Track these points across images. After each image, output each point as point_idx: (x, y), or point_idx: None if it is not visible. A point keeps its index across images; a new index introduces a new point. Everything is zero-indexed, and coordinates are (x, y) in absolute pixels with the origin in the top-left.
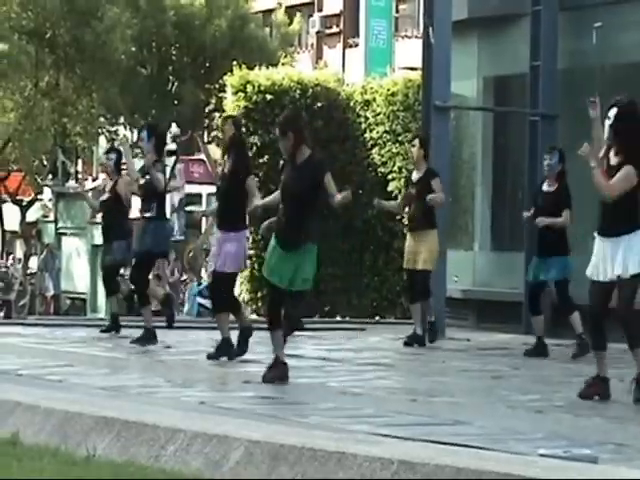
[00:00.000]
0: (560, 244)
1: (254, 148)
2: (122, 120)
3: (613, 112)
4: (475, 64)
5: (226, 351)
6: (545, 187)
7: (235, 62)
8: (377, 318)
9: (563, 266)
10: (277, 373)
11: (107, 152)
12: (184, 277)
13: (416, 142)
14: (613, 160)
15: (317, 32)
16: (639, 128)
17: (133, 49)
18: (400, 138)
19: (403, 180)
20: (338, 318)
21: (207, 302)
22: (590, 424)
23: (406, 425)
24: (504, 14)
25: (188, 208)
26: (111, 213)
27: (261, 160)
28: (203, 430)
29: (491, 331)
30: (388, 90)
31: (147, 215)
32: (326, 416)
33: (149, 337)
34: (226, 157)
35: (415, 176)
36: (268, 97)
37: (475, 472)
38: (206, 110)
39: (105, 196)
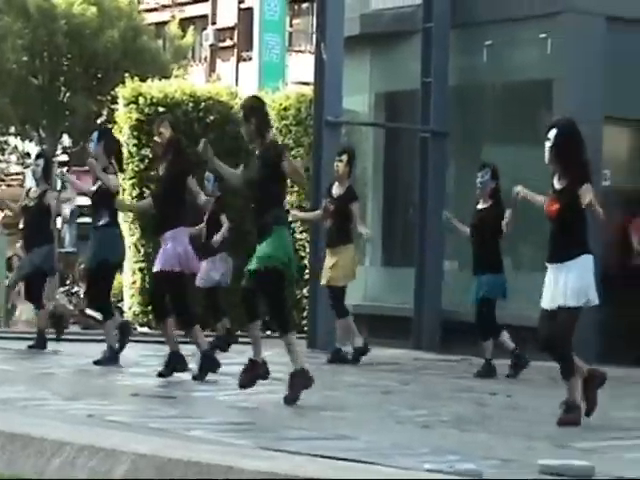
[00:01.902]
0: (492, 262)
1: (145, 161)
2: (13, 130)
3: (553, 133)
4: (367, 80)
5: (178, 363)
6: (480, 205)
7: (127, 74)
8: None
9: (492, 284)
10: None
11: (36, 158)
12: (75, 289)
13: (344, 157)
14: (557, 184)
15: (211, 45)
16: (580, 148)
17: (25, 58)
18: (292, 152)
19: (295, 194)
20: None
21: (97, 314)
22: (476, 439)
23: (294, 439)
24: (396, 30)
25: (79, 220)
26: (34, 220)
27: (152, 173)
28: (90, 443)
29: (381, 346)
30: (281, 104)
31: (100, 223)
32: (214, 430)
33: (112, 356)
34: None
35: (336, 191)
36: (160, 109)
37: None
38: (98, 121)
39: (29, 202)
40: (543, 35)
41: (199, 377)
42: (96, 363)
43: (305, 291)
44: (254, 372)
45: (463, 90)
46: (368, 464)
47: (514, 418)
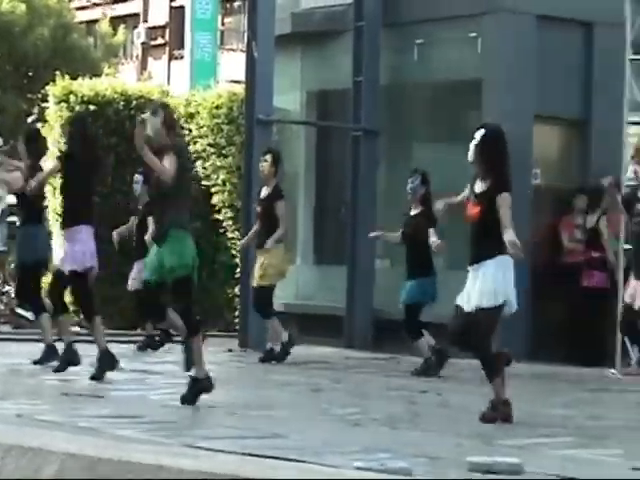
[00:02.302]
0: (423, 266)
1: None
2: None
3: (480, 133)
4: (299, 78)
5: (108, 363)
6: (411, 212)
7: (58, 72)
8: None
9: (422, 289)
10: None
11: None
12: (6, 288)
13: (268, 157)
14: (478, 187)
15: (142, 43)
16: (503, 154)
17: None
18: (224, 151)
19: (227, 193)
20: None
21: (28, 314)
22: (406, 437)
23: (224, 438)
24: (327, 29)
25: (10, 219)
26: None
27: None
28: (18, 443)
29: (313, 344)
30: (212, 103)
31: (20, 223)
32: (145, 429)
33: (51, 352)
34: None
35: (263, 193)
36: (91, 108)
37: None
38: (28, 120)
39: None
40: (473, 34)
41: (97, 376)
42: (36, 363)
43: (237, 290)
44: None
45: (394, 89)
46: (299, 462)
47: (444, 416)
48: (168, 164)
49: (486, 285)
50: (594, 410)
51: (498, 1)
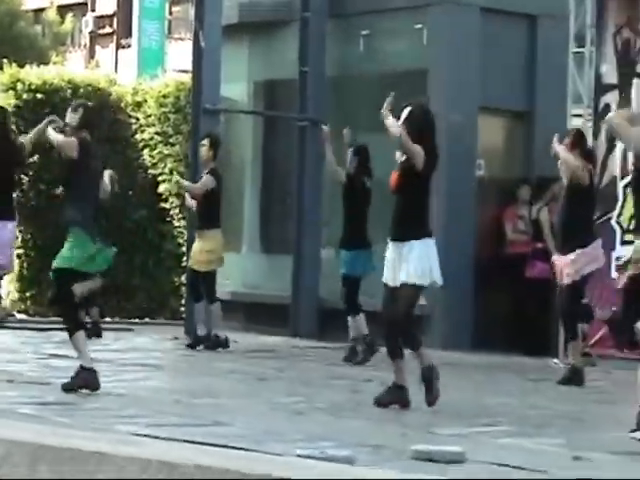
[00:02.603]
0: (358, 237)
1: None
2: None
3: (406, 111)
4: (246, 68)
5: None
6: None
7: (5, 59)
8: (146, 319)
9: (359, 260)
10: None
11: None
12: None
13: (206, 142)
14: (399, 157)
15: (90, 32)
16: (425, 130)
17: None
18: (171, 140)
19: (174, 182)
20: (107, 319)
21: None
22: (350, 426)
23: (168, 426)
24: (274, 20)
25: None
26: None
27: (31, 160)
28: None
29: (259, 333)
30: (160, 92)
31: None
32: (89, 416)
33: None
34: None
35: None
36: (39, 96)
37: (232, 473)
38: None
39: None
40: (419, 26)
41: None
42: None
43: (183, 278)
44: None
45: (340, 79)
46: (241, 450)
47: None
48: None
49: (414, 265)
50: (536, 400)
51: None
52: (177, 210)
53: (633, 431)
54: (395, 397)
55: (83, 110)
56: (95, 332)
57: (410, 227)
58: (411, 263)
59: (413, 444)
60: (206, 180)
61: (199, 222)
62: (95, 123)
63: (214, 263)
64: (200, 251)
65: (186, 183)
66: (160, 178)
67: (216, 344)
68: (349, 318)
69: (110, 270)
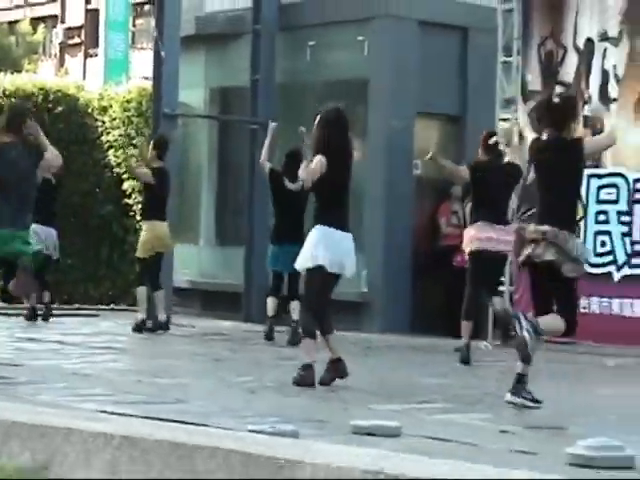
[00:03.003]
0: (296, 232)
1: None
2: None
3: (317, 118)
4: (202, 76)
5: None
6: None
7: None
8: (112, 306)
9: (284, 256)
10: None
11: None
12: None
13: (151, 144)
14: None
15: (60, 42)
16: (333, 136)
17: None
18: (134, 141)
19: (136, 179)
20: (76, 305)
21: None
22: (296, 403)
23: (131, 403)
24: (228, 32)
25: None
26: None
27: None
28: None
29: (214, 318)
30: (124, 97)
31: None
32: (58, 395)
33: None
34: None
35: None
36: (13, 100)
37: (189, 447)
38: None
39: None
40: (360, 38)
41: None
42: None
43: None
44: None
45: (289, 87)
46: (198, 426)
47: (332, 384)
48: None
49: (304, 249)
50: (468, 379)
51: (383, 7)
52: (140, 205)
53: (512, 394)
54: (334, 372)
55: (7, 113)
56: (45, 316)
57: (315, 219)
58: (303, 249)
59: (353, 419)
60: (145, 172)
61: (142, 213)
62: (18, 124)
63: (145, 252)
64: (140, 241)
65: (134, 165)
66: (124, 176)
67: (157, 326)
68: (291, 302)
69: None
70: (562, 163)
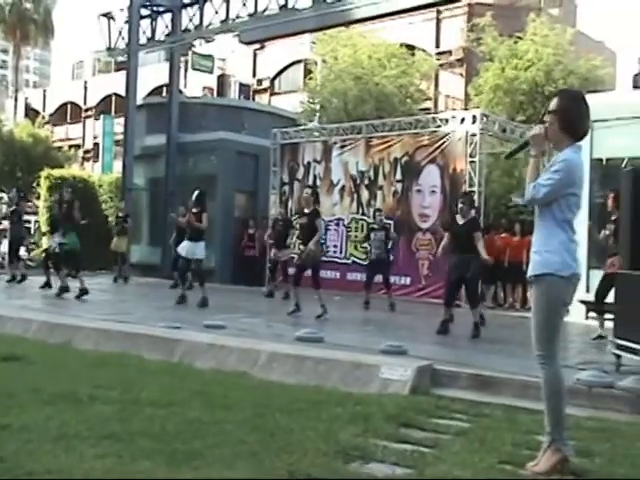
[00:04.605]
0: (201, 233)
1: None
2: None
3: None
4: (142, 174)
5: None
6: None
7: None
8: None
9: (201, 249)
10: None
11: None
12: None
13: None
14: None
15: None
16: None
17: None
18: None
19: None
20: None
21: None
22: (173, 315)
23: (101, 314)
24: (153, 153)
25: None
26: None
27: None
28: None
29: (142, 277)
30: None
31: None
32: None
33: None
34: None
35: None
36: None
37: (134, 333)
38: None
39: None
40: (212, 157)
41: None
42: None
43: None
44: None
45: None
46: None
47: (195, 307)
48: None
49: (193, 249)
50: (258, 303)
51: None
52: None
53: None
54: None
55: None
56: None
57: (198, 236)
58: (193, 249)
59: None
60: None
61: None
62: None
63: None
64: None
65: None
66: None
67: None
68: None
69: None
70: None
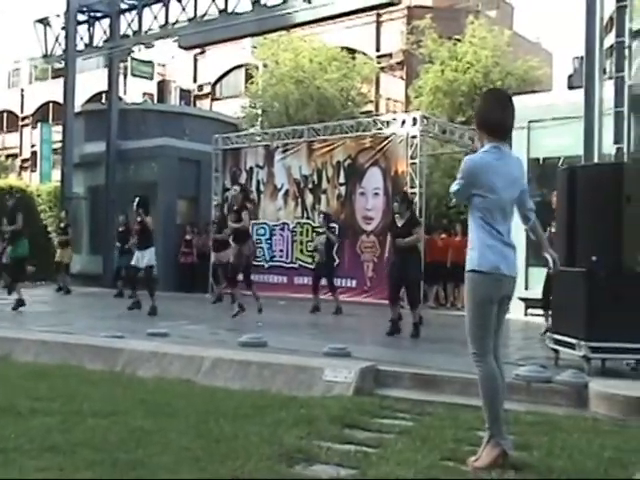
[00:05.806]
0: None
1: None
2: None
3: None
4: (82, 182)
5: None
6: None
7: None
8: None
9: (150, 256)
10: None
11: None
12: None
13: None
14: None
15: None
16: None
17: None
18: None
19: None
20: None
21: None
22: (121, 325)
23: (52, 326)
24: (93, 160)
25: None
26: None
27: None
28: None
29: (85, 287)
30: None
31: None
32: None
33: None
34: None
35: None
36: None
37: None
38: None
39: None
40: (153, 164)
41: None
42: None
43: None
44: None
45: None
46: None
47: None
48: None
49: (145, 257)
50: (204, 311)
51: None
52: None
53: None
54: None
55: None
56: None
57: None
58: (145, 257)
59: (150, 329)
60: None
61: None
62: None
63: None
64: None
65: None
66: None
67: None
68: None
69: None
70: None
